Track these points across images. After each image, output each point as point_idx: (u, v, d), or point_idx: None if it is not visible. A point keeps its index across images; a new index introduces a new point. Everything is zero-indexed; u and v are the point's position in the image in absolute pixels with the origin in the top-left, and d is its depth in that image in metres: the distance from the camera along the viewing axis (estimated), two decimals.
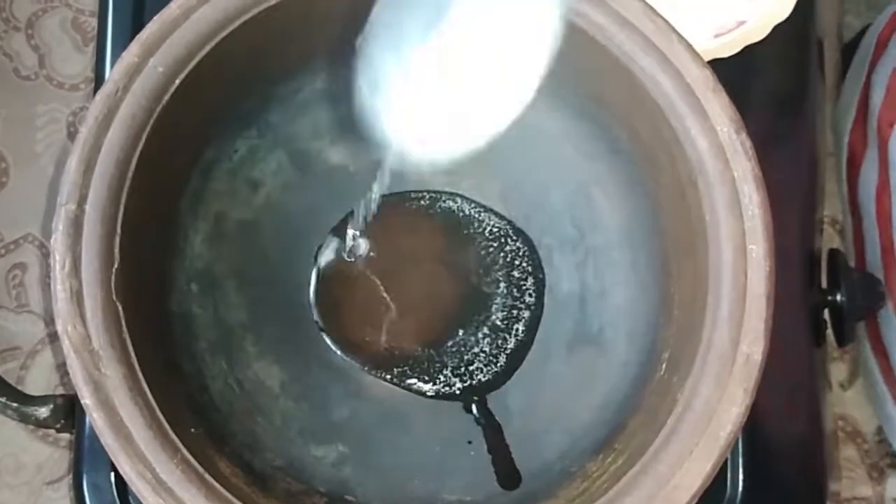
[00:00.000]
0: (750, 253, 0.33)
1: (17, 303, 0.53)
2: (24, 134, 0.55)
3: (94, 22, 0.55)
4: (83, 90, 0.56)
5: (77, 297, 0.32)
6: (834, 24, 0.54)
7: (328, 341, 0.41)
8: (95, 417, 0.31)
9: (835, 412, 0.50)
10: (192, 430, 0.35)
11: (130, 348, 0.32)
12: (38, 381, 0.52)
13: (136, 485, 0.31)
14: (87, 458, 0.43)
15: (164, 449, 0.31)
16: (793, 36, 0.45)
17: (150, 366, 0.33)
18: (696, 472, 0.31)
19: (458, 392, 0.41)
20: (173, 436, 0.32)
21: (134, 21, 0.45)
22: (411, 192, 0.43)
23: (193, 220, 0.40)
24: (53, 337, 0.36)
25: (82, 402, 0.31)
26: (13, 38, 0.56)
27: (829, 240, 0.53)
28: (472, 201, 0.43)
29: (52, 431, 0.50)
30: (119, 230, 0.33)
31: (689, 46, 0.34)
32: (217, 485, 0.32)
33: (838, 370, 0.52)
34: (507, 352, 0.41)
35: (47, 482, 0.50)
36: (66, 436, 0.50)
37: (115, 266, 0.33)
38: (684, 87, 0.34)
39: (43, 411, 0.42)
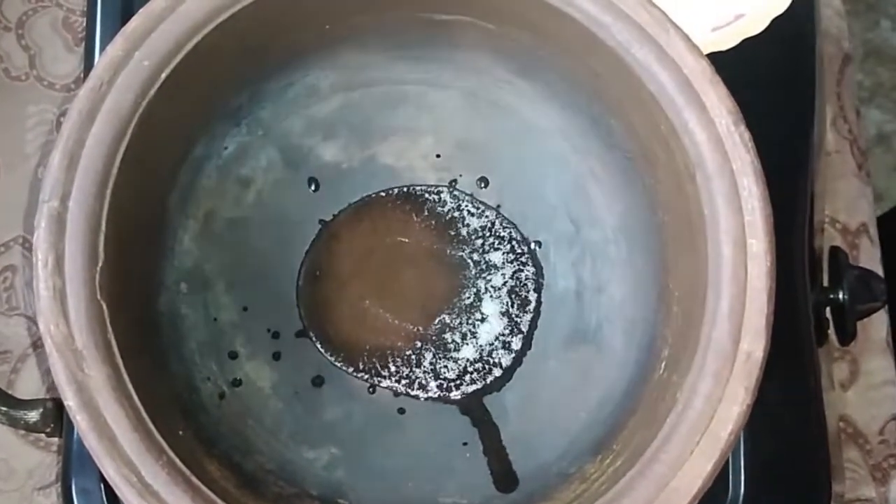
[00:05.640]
0: (750, 247, 0.32)
1: (8, 306, 0.52)
2: (14, 135, 0.54)
3: (84, 21, 0.55)
4: (74, 91, 0.56)
5: (60, 295, 0.31)
6: (834, 17, 0.53)
7: (315, 343, 0.41)
8: (79, 419, 0.31)
9: (836, 413, 0.49)
10: (180, 432, 0.34)
11: (115, 348, 0.32)
12: (30, 385, 0.52)
13: (121, 488, 0.30)
14: (76, 462, 0.42)
15: (149, 451, 0.31)
16: (791, 29, 0.44)
17: (136, 366, 0.32)
18: (697, 473, 0.31)
19: (455, 397, 0.40)
20: (159, 438, 0.31)
21: (123, 17, 0.45)
22: (402, 187, 0.42)
23: (182, 218, 0.39)
24: None
25: (65, 403, 0.31)
26: (3, 38, 0.55)
27: (830, 238, 0.52)
28: (466, 198, 0.42)
29: (42, 436, 0.50)
30: (104, 227, 0.32)
31: (686, 37, 0.34)
32: (205, 488, 0.31)
33: (839, 370, 0.52)
34: (506, 353, 0.41)
35: (38, 487, 0.50)
36: (57, 440, 0.50)
37: (100, 264, 0.32)
38: (681, 79, 0.33)
39: (33, 415, 0.41)
